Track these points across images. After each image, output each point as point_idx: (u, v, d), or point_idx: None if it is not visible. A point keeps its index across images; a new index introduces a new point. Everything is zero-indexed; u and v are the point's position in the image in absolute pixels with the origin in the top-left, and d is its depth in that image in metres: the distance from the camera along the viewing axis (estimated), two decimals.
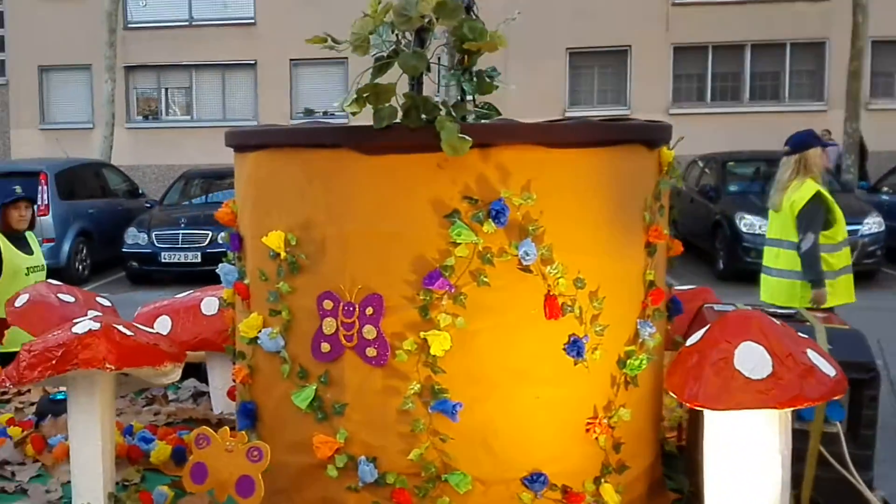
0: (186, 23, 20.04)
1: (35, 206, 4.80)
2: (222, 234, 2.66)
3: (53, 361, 2.26)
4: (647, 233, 2.37)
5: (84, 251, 12.16)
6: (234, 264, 2.55)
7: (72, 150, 16.94)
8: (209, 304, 3.02)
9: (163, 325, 2.98)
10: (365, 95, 2.18)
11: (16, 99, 20.82)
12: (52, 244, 11.34)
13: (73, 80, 20.44)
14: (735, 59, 18.05)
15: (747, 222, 10.48)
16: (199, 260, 11.32)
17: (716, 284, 8.93)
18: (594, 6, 17.41)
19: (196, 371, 3.43)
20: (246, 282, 2.45)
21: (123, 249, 11.60)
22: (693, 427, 2.51)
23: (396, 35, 2.28)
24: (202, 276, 11.65)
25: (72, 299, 3.16)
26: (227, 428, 2.21)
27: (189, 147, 18.54)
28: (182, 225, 11.74)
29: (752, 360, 1.97)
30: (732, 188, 11.84)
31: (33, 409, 3.24)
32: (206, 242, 11.37)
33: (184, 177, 14.04)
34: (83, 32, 18.32)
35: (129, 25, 20.11)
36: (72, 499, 2.43)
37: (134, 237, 11.60)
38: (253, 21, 19.66)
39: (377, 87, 2.19)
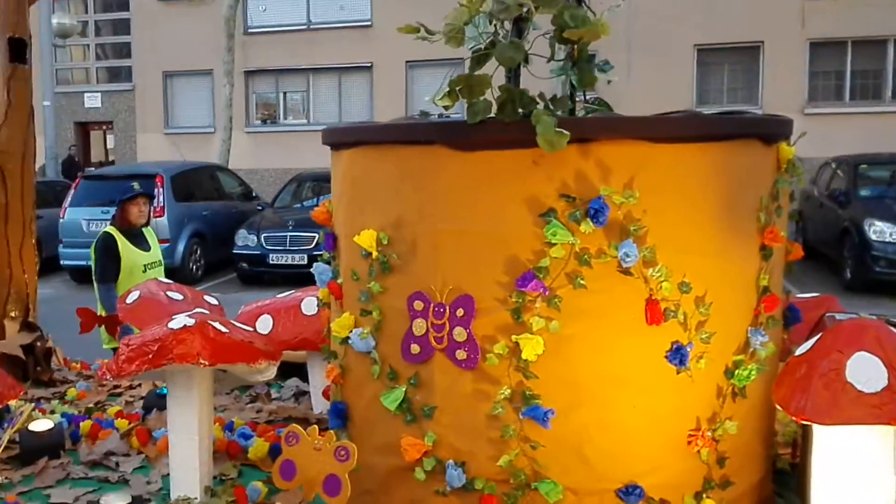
0: (304, 26, 20.71)
1: (152, 205, 5.00)
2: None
3: (150, 356, 2.38)
4: (762, 235, 2.26)
5: (198, 252, 12.72)
6: (329, 264, 2.60)
7: (193, 153, 17.83)
8: (309, 304, 3.10)
9: (264, 324, 3.08)
10: (458, 88, 2.17)
11: (142, 104, 22.08)
12: (167, 245, 11.96)
13: (195, 85, 21.47)
14: (876, 56, 17.05)
15: (877, 229, 9.87)
16: (306, 262, 11.66)
17: (842, 295, 8.46)
18: (724, 0, 16.87)
19: (299, 371, 3.52)
20: (339, 281, 2.49)
21: (234, 251, 12.07)
22: (806, 443, 2.37)
23: (494, 25, 2.26)
24: (309, 277, 12.03)
25: (180, 297, 3.31)
26: (315, 427, 2.26)
27: (305, 150, 19.09)
28: (290, 227, 12.12)
29: (865, 372, 1.85)
30: (864, 192, 11.17)
31: (140, 403, 3.41)
32: (313, 245, 11.71)
33: (295, 179, 14.49)
34: (205, 38, 19.22)
35: (249, 30, 20.97)
36: (170, 491, 2.54)
37: (244, 239, 12.06)
38: (369, 23, 20.09)
39: (471, 79, 2.17)
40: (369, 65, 20.11)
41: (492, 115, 2.14)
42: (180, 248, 12.26)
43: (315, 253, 11.51)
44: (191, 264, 12.45)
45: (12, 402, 3.13)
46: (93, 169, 17.54)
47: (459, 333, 2.12)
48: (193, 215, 12.75)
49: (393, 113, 18.93)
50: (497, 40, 2.24)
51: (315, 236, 11.62)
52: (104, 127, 22.90)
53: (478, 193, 2.16)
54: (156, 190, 11.96)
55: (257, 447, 2.78)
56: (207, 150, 18.53)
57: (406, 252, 2.24)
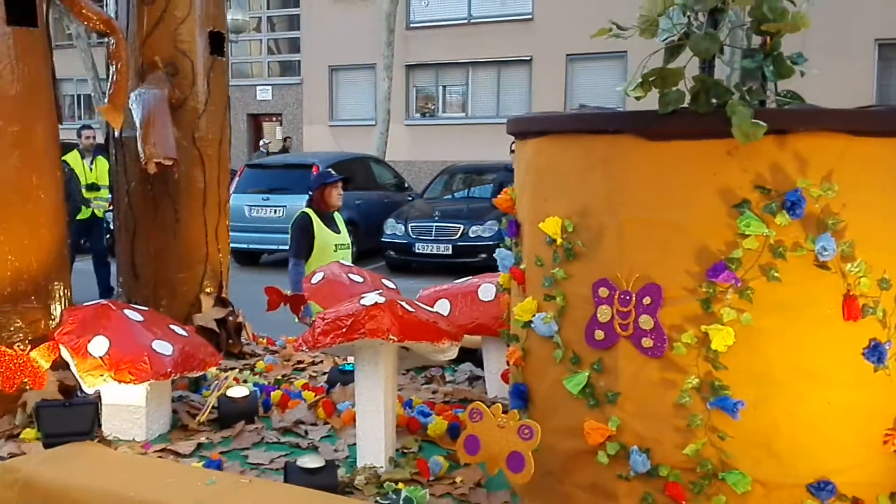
0: (465, 20, 21.02)
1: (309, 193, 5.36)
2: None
3: (343, 329, 2.56)
4: None
5: (350, 239, 13.23)
6: (511, 250, 2.69)
7: (356, 145, 18.52)
8: (486, 290, 3.22)
9: (442, 308, 3.23)
10: (651, 80, 2.20)
11: (308, 97, 23.14)
12: None
13: (358, 79, 22.28)
14: None
15: None
16: (451, 252, 11.94)
17: None
18: None
19: (472, 356, 3.66)
20: (522, 267, 2.58)
21: (382, 239, 12.48)
22: None
23: (688, 17, 2.27)
24: (453, 267, 12.27)
25: (360, 279, 3.52)
26: (499, 405, 2.36)
27: (463, 143, 19.46)
28: (436, 218, 12.42)
29: None
30: None
31: (325, 377, 3.65)
32: (458, 235, 11.95)
33: (446, 171, 14.80)
34: (368, 33, 19.88)
35: (411, 25, 21.52)
36: (356, 459, 2.73)
37: (392, 228, 12.45)
38: (530, 16, 20.15)
39: (664, 70, 2.20)
40: (529, 58, 20.18)
41: (683, 105, 2.17)
42: None
43: (459, 244, 11.86)
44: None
45: (210, 370, 3.45)
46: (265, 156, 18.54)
47: (646, 321, 2.16)
48: (347, 204, 13.17)
49: (552, 106, 18.92)
50: (690, 31, 2.26)
51: (460, 227, 11.92)
52: (274, 118, 24.18)
53: (668, 183, 2.18)
54: (312, 179, 12.55)
55: (436, 424, 2.92)
56: (369, 142, 19.18)
57: (591, 239, 2.29)
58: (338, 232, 5.23)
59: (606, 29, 2.40)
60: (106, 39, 3.71)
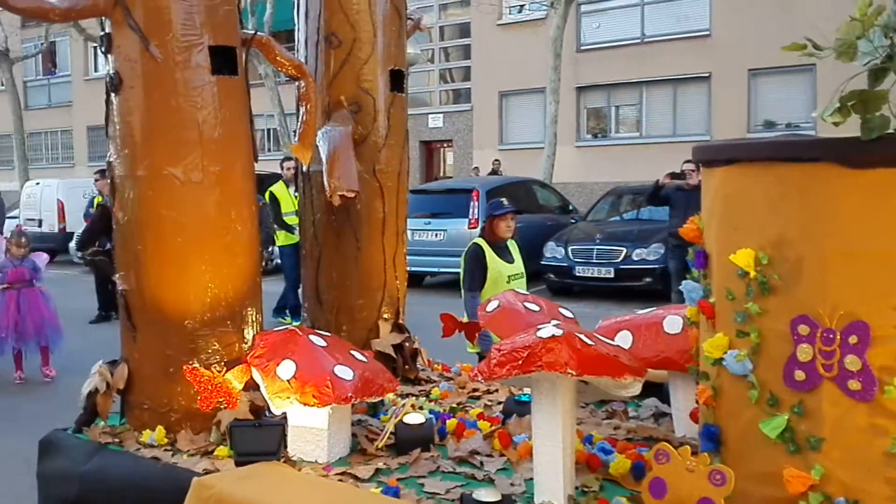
0: (638, 40, 20.69)
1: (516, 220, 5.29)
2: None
3: (519, 361, 2.54)
4: None
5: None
6: (698, 282, 2.59)
7: (525, 168, 18.60)
8: (672, 322, 3.10)
9: (623, 339, 3.15)
10: (850, 104, 2.08)
11: (479, 122, 23.52)
12: None
13: (527, 103, 22.41)
14: None
15: None
16: (612, 276, 11.66)
17: None
18: None
19: (657, 390, 3.54)
20: (711, 300, 2.48)
21: (542, 262, 12.37)
22: None
23: (891, 38, 2.12)
24: (616, 291, 11.97)
25: (537, 308, 3.49)
26: (687, 447, 2.26)
27: (636, 164, 19.08)
28: (597, 240, 12.18)
29: None
30: None
31: (500, 407, 3.66)
32: (621, 258, 11.67)
33: (612, 193, 14.49)
34: (537, 58, 19.95)
35: (582, 47, 21.44)
36: (534, 495, 2.70)
37: (552, 251, 12.32)
38: (708, 32, 19.56)
39: (865, 94, 2.07)
40: (707, 75, 19.57)
41: (889, 130, 2.03)
42: None
43: (622, 267, 11.59)
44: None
45: (388, 395, 3.54)
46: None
47: (852, 362, 2.01)
48: None
49: (732, 125, 18.24)
50: (894, 53, 2.11)
51: (623, 250, 11.65)
52: (444, 145, 24.76)
53: (873, 213, 2.05)
54: (471, 203, 12.77)
55: (619, 463, 2.84)
56: (538, 165, 19.23)
57: (789, 272, 2.18)
58: (511, 261, 5.20)
59: (800, 45, 2.29)
60: (296, 82, 3.95)
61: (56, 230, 18.85)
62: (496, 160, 20.46)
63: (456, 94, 24.81)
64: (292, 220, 10.47)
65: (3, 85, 31.18)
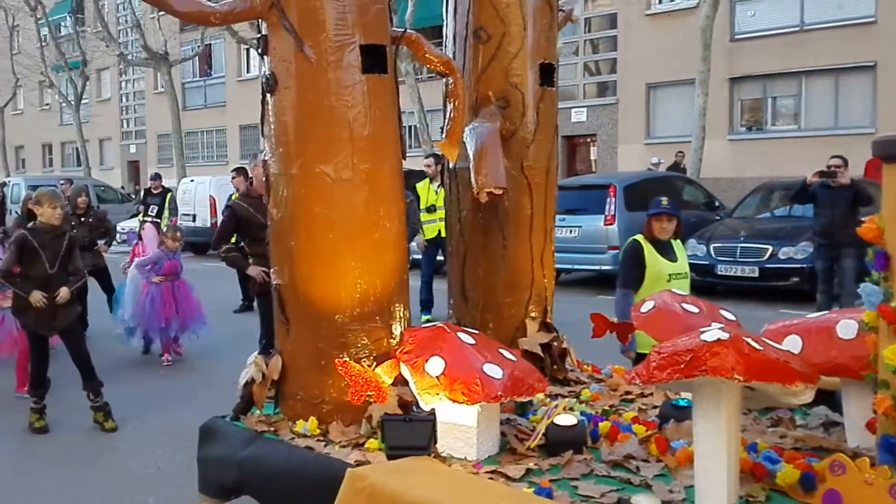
0: (796, 28, 19.77)
1: (677, 218, 5.15)
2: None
3: (681, 365, 2.47)
4: None
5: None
6: (878, 284, 2.45)
7: (672, 162, 18.12)
8: (846, 327, 2.94)
9: (792, 344, 3.00)
10: None
11: (624, 116, 23.10)
12: (617, 251, 12.51)
13: (675, 96, 21.82)
14: None
15: None
16: (757, 275, 11.22)
17: None
18: None
19: (828, 398, 3.37)
20: (893, 304, 2.33)
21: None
22: None
23: None
24: (761, 291, 11.44)
25: (696, 310, 3.39)
26: (866, 459, 2.14)
27: (794, 158, 18.23)
28: (741, 238, 11.71)
29: None
30: None
31: (655, 411, 3.57)
32: (766, 257, 11.20)
33: (762, 188, 13.91)
34: (688, 48, 19.39)
35: (736, 36, 20.66)
36: (694, 503, 2.62)
37: (693, 248, 11.90)
38: (873, 19, 18.44)
39: None
40: (872, 64, 18.45)
41: None
42: None
43: (767, 265, 11.06)
44: None
45: (536, 396, 3.53)
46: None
47: None
48: (643, 224, 12.97)
49: None
50: None
51: (769, 248, 11.18)
52: (588, 139, 24.47)
53: None
54: (608, 200, 12.54)
55: (787, 473, 2.71)
56: (687, 159, 18.70)
57: None
58: (674, 260, 5.06)
59: None
60: (444, 79, 4.00)
61: (208, 225, 20.05)
62: (679, 152, 19.56)
63: (601, 87, 24.46)
64: (425, 216, 10.69)
65: (163, 87, 33.26)
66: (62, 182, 21.33)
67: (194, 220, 20.46)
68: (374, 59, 3.69)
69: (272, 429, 3.74)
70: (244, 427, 3.79)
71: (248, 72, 36.27)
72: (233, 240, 7.42)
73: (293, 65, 3.63)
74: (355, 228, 3.66)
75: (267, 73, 3.74)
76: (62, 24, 40.37)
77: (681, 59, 20.24)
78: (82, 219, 10.12)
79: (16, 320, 7.22)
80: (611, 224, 12.59)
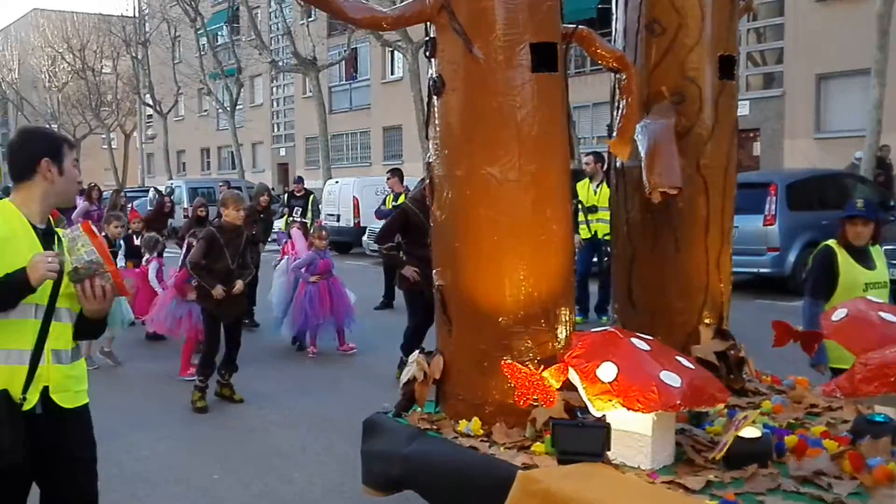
0: None
1: (875, 222, 4.94)
2: None
3: (892, 379, 2.36)
4: None
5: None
6: None
7: (843, 159, 17.18)
8: None
9: None
10: None
11: (791, 109, 22.11)
12: (776, 254, 11.93)
13: (849, 87, 20.70)
14: None
15: None
16: None
17: None
18: None
19: None
20: None
21: None
22: None
23: None
24: None
25: (894, 318, 3.22)
26: None
27: None
28: None
29: None
30: None
31: (845, 426, 3.42)
32: None
33: None
34: (861, 36, 18.35)
35: None
36: None
37: None
38: None
39: None
40: None
41: None
42: (791, 257, 12.31)
43: None
44: (803, 275, 12.17)
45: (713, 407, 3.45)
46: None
47: None
48: (810, 224, 12.42)
49: None
50: None
51: None
52: (752, 134, 23.60)
53: None
54: (768, 199, 12.04)
55: None
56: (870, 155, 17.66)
57: None
58: (872, 268, 4.79)
59: None
60: (616, 75, 3.97)
61: (351, 225, 20.95)
62: (884, 146, 17.98)
63: (766, 79, 23.52)
64: (587, 216, 10.71)
65: (310, 92, 34.60)
66: (220, 184, 22.72)
67: (338, 220, 21.37)
68: (544, 58, 3.68)
69: (435, 427, 3.82)
70: (407, 424, 3.89)
71: (392, 74, 37.13)
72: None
73: (461, 66, 3.68)
74: (521, 230, 3.68)
75: (434, 75, 3.81)
76: (219, 33, 42.71)
77: (855, 48, 19.17)
78: (261, 215, 11.82)
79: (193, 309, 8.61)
80: (770, 224, 12.15)
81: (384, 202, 14.81)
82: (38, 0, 61.67)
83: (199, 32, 37.50)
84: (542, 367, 3.60)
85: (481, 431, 3.67)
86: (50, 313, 3.36)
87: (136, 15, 44.71)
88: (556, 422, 3.30)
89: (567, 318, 3.83)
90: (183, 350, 9.20)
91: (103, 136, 51.25)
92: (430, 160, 3.93)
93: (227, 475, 6.08)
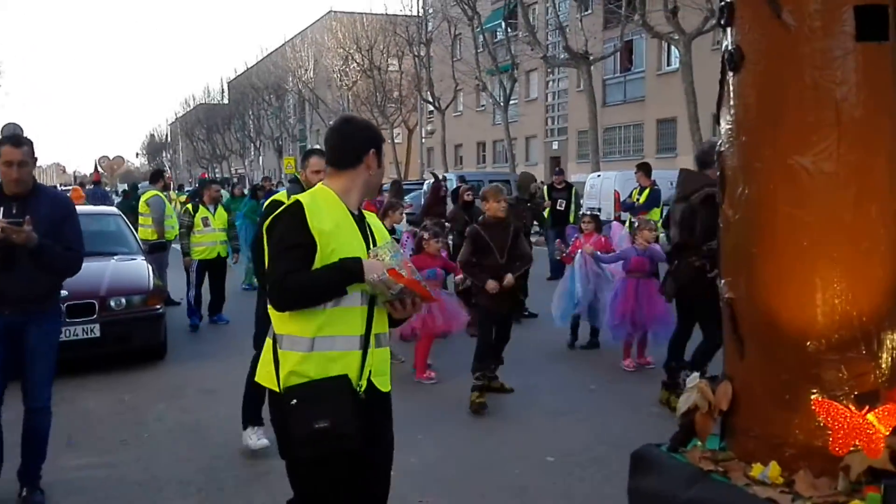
0: None
1: None
2: None
3: None
4: None
5: None
6: None
7: None
8: None
9: None
10: None
11: None
12: None
13: None
14: None
15: None
16: None
17: None
18: None
19: None
20: None
21: None
22: None
23: None
24: None
25: None
26: None
27: None
28: None
29: None
30: None
31: None
32: None
33: None
34: None
35: None
36: None
37: None
38: None
39: None
40: None
41: None
42: None
43: None
44: None
45: None
46: None
47: None
48: None
49: None
50: None
51: None
52: None
53: None
54: None
55: None
56: None
57: None
58: None
59: None
60: None
61: (612, 218, 20.54)
62: None
63: None
64: None
65: (581, 86, 34.23)
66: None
67: (599, 213, 21.20)
68: (871, 24, 2.97)
69: (720, 469, 3.21)
70: (685, 461, 3.32)
71: (668, 65, 35.90)
72: None
73: (766, 35, 3.07)
74: (838, 234, 3.00)
75: (731, 46, 3.23)
76: (497, 30, 43.48)
77: None
78: (528, 203, 12.05)
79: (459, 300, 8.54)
80: None
81: (630, 195, 14.88)
82: (334, 2, 66.23)
83: (476, 30, 38.32)
84: (862, 405, 2.91)
85: (781, 479, 3.02)
86: (373, 299, 3.37)
87: (420, 14, 46.64)
88: (888, 483, 2.56)
89: (893, 345, 3.05)
90: (417, 350, 8.43)
91: (388, 131, 54.27)
92: (722, 149, 3.35)
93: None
